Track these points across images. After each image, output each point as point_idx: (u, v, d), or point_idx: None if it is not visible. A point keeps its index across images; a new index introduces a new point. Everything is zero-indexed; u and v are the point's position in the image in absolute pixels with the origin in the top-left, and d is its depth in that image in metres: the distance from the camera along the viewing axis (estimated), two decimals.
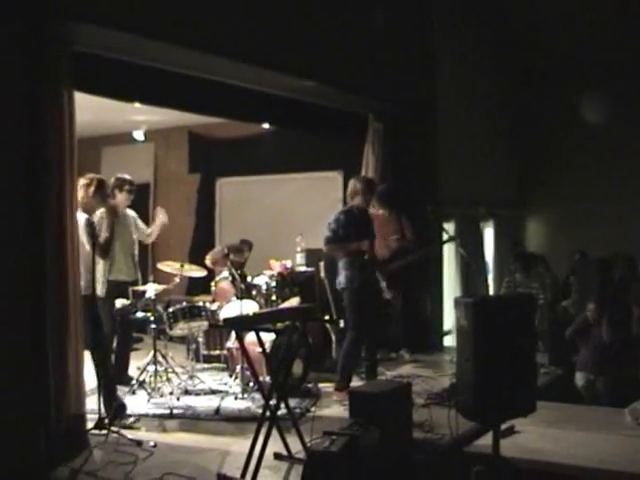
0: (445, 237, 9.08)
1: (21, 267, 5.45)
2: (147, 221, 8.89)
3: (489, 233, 12.39)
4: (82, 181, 6.51)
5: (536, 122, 13.03)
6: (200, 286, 9.87)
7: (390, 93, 9.42)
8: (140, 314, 7.68)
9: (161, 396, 7.10)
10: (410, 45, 9.95)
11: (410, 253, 8.53)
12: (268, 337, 6.97)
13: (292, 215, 10.77)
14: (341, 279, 7.38)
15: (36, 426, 5.12)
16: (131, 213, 8.04)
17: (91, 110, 8.16)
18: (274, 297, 8.25)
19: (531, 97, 12.90)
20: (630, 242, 11.01)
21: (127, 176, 7.85)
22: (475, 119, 11.50)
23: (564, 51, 11.96)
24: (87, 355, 6.20)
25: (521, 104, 13.11)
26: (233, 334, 7.34)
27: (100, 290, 7.12)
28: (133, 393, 7.20)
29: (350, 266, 7.34)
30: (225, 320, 5.84)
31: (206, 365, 8.56)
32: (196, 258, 9.43)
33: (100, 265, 7.10)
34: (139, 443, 5.75)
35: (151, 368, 7.30)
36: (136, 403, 6.93)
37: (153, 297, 7.49)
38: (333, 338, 8.30)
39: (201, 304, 7.72)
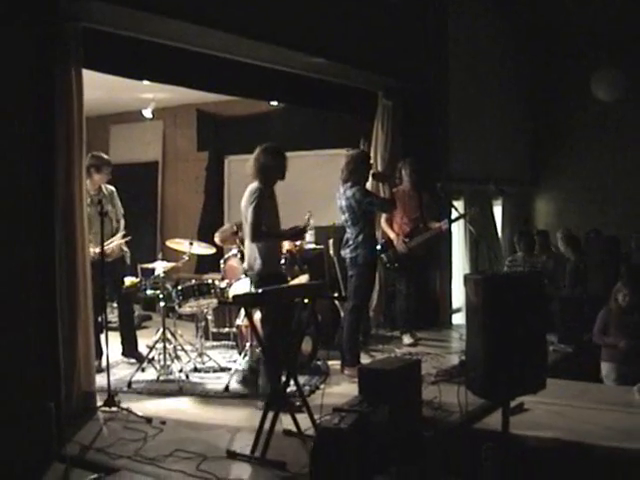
0: (454, 215, 9.06)
1: (31, 246, 5.45)
2: (156, 198, 8.86)
3: (498, 210, 12.34)
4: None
5: (550, 99, 12.94)
6: (209, 264, 9.88)
7: (400, 70, 9.36)
8: (149, 292, 7.72)
9: (170, 374, 7.12)
10: (421, 22, 9.86)
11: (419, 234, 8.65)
12: None
13: (301, 193, 10.71)
14: (361, 254, 7.40)
15: (46, 403, 5.13)
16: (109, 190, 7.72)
17: (100, 88, 8.14)
18: None
19: (545, 74, 12.81)
20: None
21: (105, 155, 7.60)
22: (488, 96, 11.42)
23: (580, 27, 11.82)
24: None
25: (535, 81, 13.02)
26: (242, 311, 7.34)
27: None
28: (142, 370, 7.22)
29: (371, 241, 7.47)
30: (234, 297, 5.83)
31: (215, 343, 8.59)
32: (205, 236, 9.44)
33: None
34: (149, 420, 5.78)
35: (160, 346, 7.31)
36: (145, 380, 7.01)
37: (162, 275, 7.51)
38: (342, 315, 8.30)
39: (210, 282, 7.70)
